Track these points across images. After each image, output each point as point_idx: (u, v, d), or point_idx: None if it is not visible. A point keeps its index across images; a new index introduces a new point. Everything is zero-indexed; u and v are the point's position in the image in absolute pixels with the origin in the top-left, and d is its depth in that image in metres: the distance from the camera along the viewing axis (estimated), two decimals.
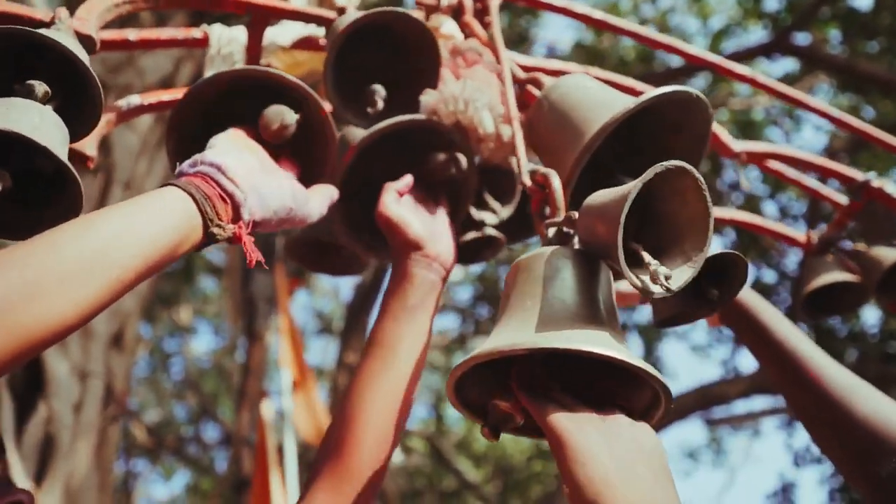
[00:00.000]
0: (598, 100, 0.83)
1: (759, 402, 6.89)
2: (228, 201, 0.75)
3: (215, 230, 0.73)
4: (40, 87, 0.74)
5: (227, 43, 1.09)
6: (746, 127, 6.59)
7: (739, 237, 5.75)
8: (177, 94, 1.05)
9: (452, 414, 8.64)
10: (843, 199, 1.43)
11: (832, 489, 6.17)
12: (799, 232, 1.49)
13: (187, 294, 8.66)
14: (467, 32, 1.09)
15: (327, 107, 0.93)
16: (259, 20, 1.02)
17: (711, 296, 0.79)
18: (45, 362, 2.51)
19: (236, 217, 0.76)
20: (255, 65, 1.05)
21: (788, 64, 6.71)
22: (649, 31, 1.38)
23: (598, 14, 1.33)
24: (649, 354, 6.83)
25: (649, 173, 0.64)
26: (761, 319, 0.95)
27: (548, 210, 0.80)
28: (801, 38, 5.81)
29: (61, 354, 2.56)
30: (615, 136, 0.79)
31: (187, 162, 0.78)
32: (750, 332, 0.96)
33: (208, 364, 9.71)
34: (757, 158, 1.38)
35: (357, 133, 0.99)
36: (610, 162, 0.75)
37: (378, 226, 0.94)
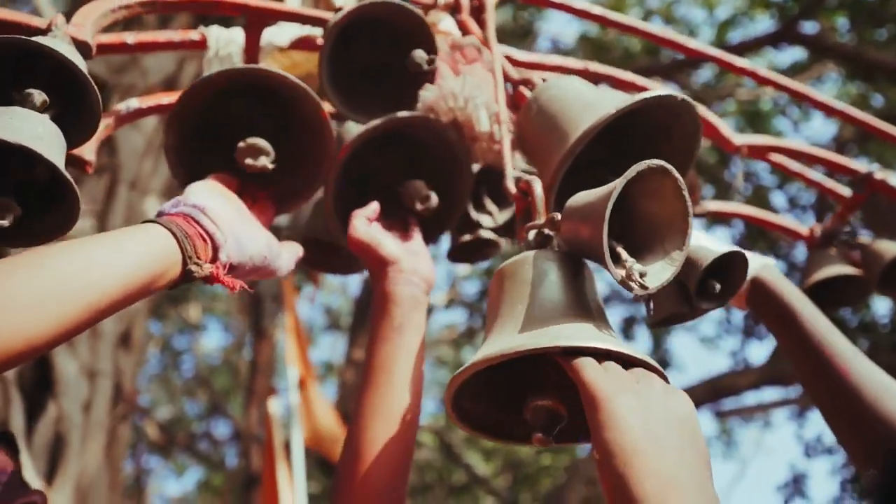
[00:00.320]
0: (585, 104, 0.83)
1: (769, 394, 6.87)
2: (208, 241, 0.78)
3: (193, 267, 0.75)
4: (39, 97, 0.75)
5: (225, 45, 1.09)
6: (754, 117, 6.54)
7: (748, 228, 5.73)
8: (174, 96, 1.05)
9: None
10: (846, 192, 1.42)
11: (844, 480, 6.15)
12: (809, 222, 1.49)
13: (196, 292, 8.71)
14: (464, 31, 1.09)
15: (328, 108, 0.93)
16: (255, 22, 1.02)
17: (713, 290, 0.79)
18: (54, 362, 2.54)
19: (214, 257, 0.78)
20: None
21: (796, 53, 6.65)
22: (648, 25, 1.37)
23: (598, 10, 1.33)
24: (658, 347, 6.81)
25: (631, 172, 0.65)
26: (789, 306, 0.94)
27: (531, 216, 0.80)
28: (809, 27, 5.76)
29: (70, 354, 2.59)
30: (602, 140, 0.79)
31: (169, 203, 0.80)
32: (775, 318, 0.95)
33: (218, 361, 9.77)
34: (758, 152, 1.37)
35: (353, 128, 1.00)
36: (597, 165, 0.75)
37: (352, 250, 0.94)
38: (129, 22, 1.07)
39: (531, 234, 0.77)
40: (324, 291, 9.56)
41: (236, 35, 1.09)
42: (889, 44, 5.74)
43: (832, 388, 0.87)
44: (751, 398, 6.94)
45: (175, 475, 9.86)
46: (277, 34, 1.12)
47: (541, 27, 7.00)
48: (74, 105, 0.78)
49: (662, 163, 0.67)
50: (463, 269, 7.54)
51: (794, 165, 1.46)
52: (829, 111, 1.45)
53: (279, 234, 1.06)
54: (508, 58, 1.22)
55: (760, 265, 0.98)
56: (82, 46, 0.83)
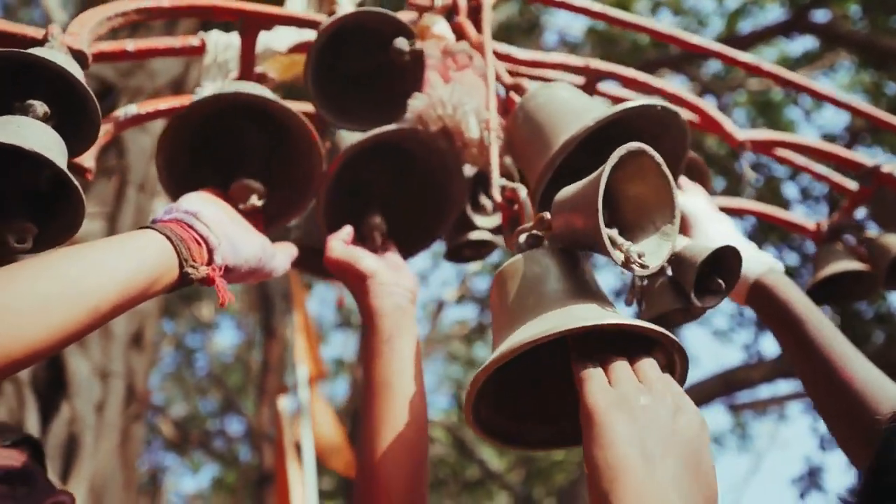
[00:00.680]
0: (571, 113, 0.84)
1: (783, 387, 6.82)
2: (203, 244, 0.79)
3: (189, 270, 0.76)
4: (41, 108, 0.76)
5: (223, 49, 1.09)
6: (765, 108, 6.48)
7: (759, 221, 5.68)
8: (173, 102, 1.06)
9: None
10: (854, 185, 1.41)
11: (859, 472, 6.08)
12: (822, 212, 1.47)
13: (208, 290, 8.76)
14: (459, 33, 1.08)
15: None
16: (251, 27, 1.02)
17: (713, 288, 0.79)
18: (67, 363, 2.56)
19: (210, 260, 0.79)
20: (250, 71, 1.06)
21: (808, 42, 6.57)
22: (649, 21, 1.36)
23: (598, 7, 1.32)
24: None
25: (612, 158, 0.66)
26: (787, 305, 0.93)
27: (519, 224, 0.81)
28: (821, 16, 5.69)
29: (82, 355, 2.62)
30: (589, 147, 0.79)
31: (162, 210, 0.82)
32: (777, 323, 0.95)
33: (231, 358, 9.84)
34: (762, 147, 1.36)
35: (347, 136, 1.00)
36: (583, 172, 0.75)
37: (332, 271, 0.95)
38: (136, 26, 1.08)
39: (522, 238, 0.78)
40: (337, 288, 9.59)
41: (235, 40, 1.09)
42: None
43: (833, 392, 0.86)
44: (765, 391, 6.91)
45: (191, 472, 9.95)
46: (276, 39, 1.12)
47: (548, 21, 6.97)
48: (73, 114, 0.79)
49: (639, 144, 0.68)
50: (473, 264, 7.54)
51: (801, 159, 1.44)
52: (834, 103, 1.43)
53: (288, 234, 1.07)
54: (508, 57, 1.22)
55: (767, 269, 0.97)
56: (79, 56, 0.83)
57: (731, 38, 6.15)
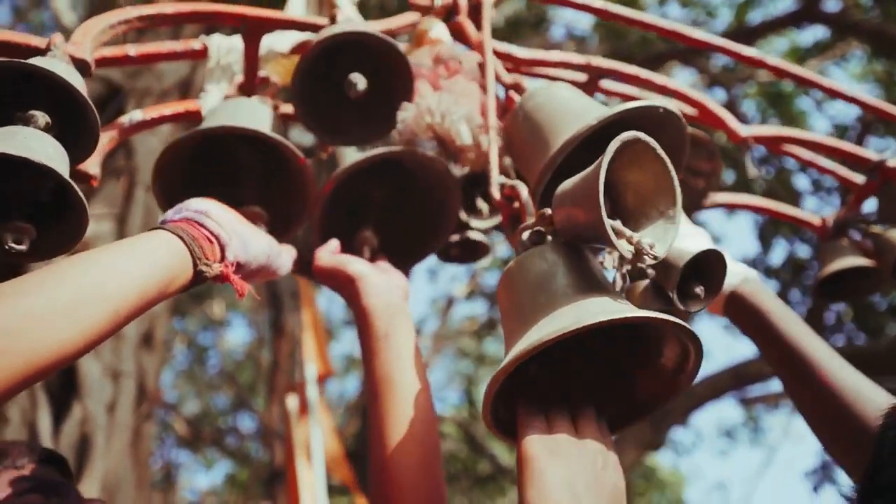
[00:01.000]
0: (569, 113, 0.84)
1: None
2: (214, 242, 0.80)
3: (203, 268, 0.77)
4: (43, 118, 0.77)
5: (226, 53, 1.10)
6: (776, 99, 6.42)
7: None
8: (177, 108, 1.07)
9: None
10: (861, 179, 1.40)
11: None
12: (834, 203, 1.47)
13: (219, 288, 8.82)
14: (460, 33, 1.09)
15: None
16: (253, 32, 1.03)
17: (696, 293, 0.79)
18: (78, 364, 2.59)
19: (222, 257, 0.80)
20: (253, 75, 1.07)
21: (818, 32, 6.50)
22: (650, 17, 1.35)
23: (598, 3, 1.31)
24: None
25: (610, 149, 0.66)
26: (765, 315, 0.93)
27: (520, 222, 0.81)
28: (832, 5, 5.63)
29: (93, 356, 2.64)
30: (588, 146, 0.79)
31: (171, 210, 0.83)
32: (754, 332, 0.95)
33: (242, 356, 9.90)
34: (766, 142, 1.35)
35: (348, 151, 1.03)
36: (582, 170, 0.75)
37: (322, 281, 0.97)
38: (142, 30, 1.09)
39: (525, 235, 0.78)
40: None
41: (237, 43, 1.10)
42: None
43: (818, 398, 0.87)
44: (777, 385, 6.86)
45: (205, 469, 10.03)
46: (278, 40, 1.13)
47: (555, 15, 6.94)
48: (74, 123, 0.80)
49: (633, 133, 0.68)
50: (483, 260, 7.53)
51: (807, 154, 1.44)
52: (840, 97, 1.42)
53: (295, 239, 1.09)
54: (508, 56, 1.22)
55: (741, 279, 0.96)
56: (81, 64, 0.84)
57: (740, 29, 6.10)
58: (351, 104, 0.99)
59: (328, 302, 10.42)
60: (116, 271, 0.69)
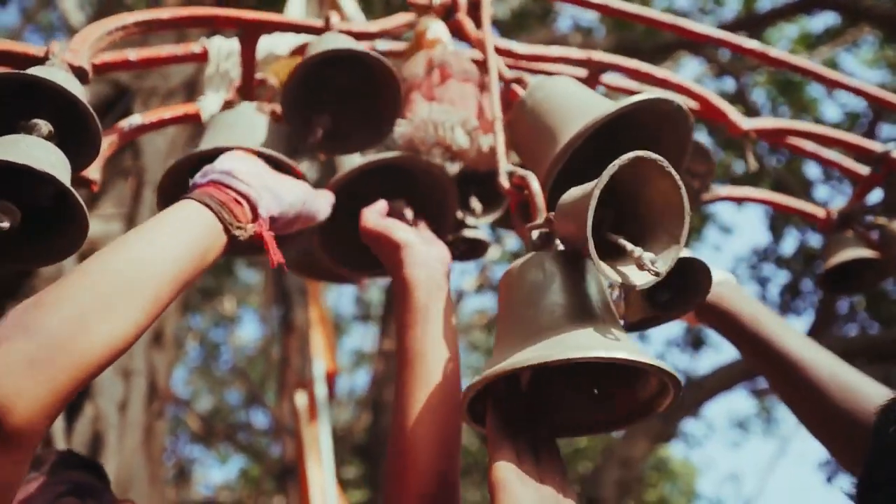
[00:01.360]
0: (576, 105, 0.83)
1: None
2: (244, 202, 0.80)
3: (237, 232, 0.77)
4: (45, 127, 0.78)
5: (225, 57, 1.11)
6: (786, 87, 6.36)
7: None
8: (176, 111, 1.08)
9: None
10: (867, 171, 1.39)
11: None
12: (846, 192, 1.45)
13: (230, 285, 8.87)
14: (459, 31, 1.08)
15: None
16: (250, 36, 1.03)
17: (660, 300, 0.79)
18: None
19: (254, 216, 0.80)
20: (251, 79, 1.07)
21: (829, 18, 6.42)
22: (651, 12, 1.35)
23: None
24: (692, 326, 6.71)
25: (608, 171, 0.66)
26: (745, 318, 0.93)
27: (530, 213, 0.81)
28: None
29: None
30: (597, 138, 0.79)
31: (198, 174, 0.82)
32: (733, 335, 0.95)
33: (254, 351, 9.96)
34: (768, 135, 1.34)
35: (343, 161, 1.04)
36: (591, 164, 0.75)
37: (366, 241, 0.95)
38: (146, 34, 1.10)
39: (534, 235, 0.78)
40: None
41: (237, 47, 1.10)
42: None
43: (803, 396, 0.87)
44: None
45: (219, 464, 10.11)
46: (277, 43, 1.14)
47: (561, 7, 6.90)
48: (75, 131, 0.81)
49: (635, 153, 0.67)
50: (493, 253, 7.53)
51: (811, 146, 1.42)
52: (843, 87, 1.41)
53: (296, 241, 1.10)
54: (509, 52, 1.22)
55: (715, 282, 0.96)
56: (79, 72, 0.85)
57: (749, 16, 6.04)
58: (343, 113, 0.99)
59: (337, 297, 10.46)
60: (150, 256, 0.69)
